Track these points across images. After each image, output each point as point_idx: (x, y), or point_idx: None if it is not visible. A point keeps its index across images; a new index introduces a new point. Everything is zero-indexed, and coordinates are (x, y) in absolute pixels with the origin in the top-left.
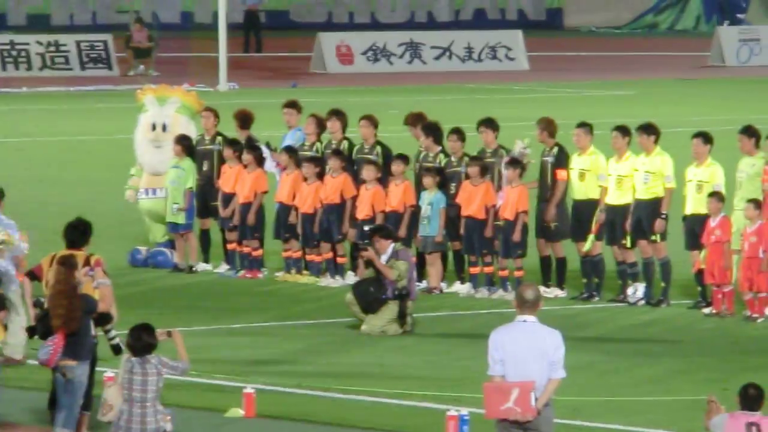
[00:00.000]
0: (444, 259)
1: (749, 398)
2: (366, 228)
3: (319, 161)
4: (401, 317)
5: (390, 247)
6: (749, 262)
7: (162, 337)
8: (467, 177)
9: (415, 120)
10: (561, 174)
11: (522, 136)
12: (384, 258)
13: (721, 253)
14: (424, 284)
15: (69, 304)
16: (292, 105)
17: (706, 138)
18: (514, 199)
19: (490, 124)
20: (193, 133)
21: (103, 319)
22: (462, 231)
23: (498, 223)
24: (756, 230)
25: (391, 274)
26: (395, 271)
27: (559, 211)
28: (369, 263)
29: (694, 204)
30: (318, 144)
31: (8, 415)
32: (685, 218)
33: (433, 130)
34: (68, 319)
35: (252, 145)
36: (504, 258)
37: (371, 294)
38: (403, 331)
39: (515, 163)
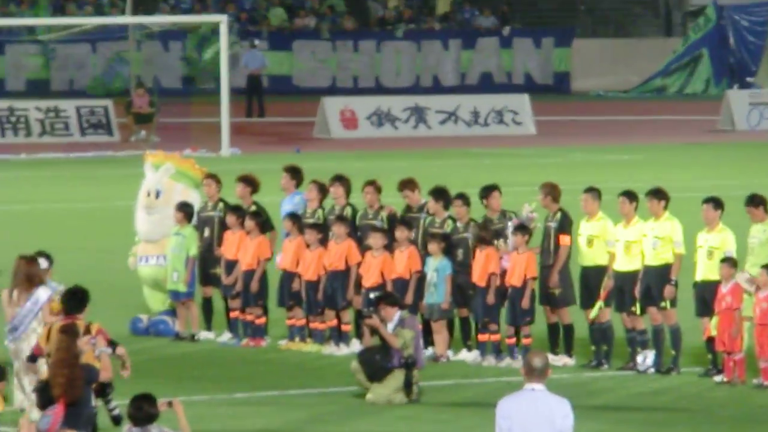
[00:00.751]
0: (450, 326)
1: None
2: (372, 295)
3: (321, 228)
4: (408, 386)
5: (396, 314)
6: (762, 329)
7: (163, 407)
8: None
9: (407, 184)
10: (564, 239)
11: (529, 200)
12: (390, 326)
13: (731, 320)
14: (430, 352)
15: (70, 373)
16: (290, 170)
17: (716, 203)
18: (522, 265)
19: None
20: (193, 199)
21: (104, 389)
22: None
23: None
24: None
25: (397, 342)
26: (401, 339)
27: (563, 277)
28: (374, 331)
29: (705, 270)
30: (320, 210)
31: None
32: (695, 284)
33: (442, 195)
34: (69, 388)
35: (254, 212)
36: (511, 326)
37: (377, 362)
38: (409, 400)
39: (522, 228)
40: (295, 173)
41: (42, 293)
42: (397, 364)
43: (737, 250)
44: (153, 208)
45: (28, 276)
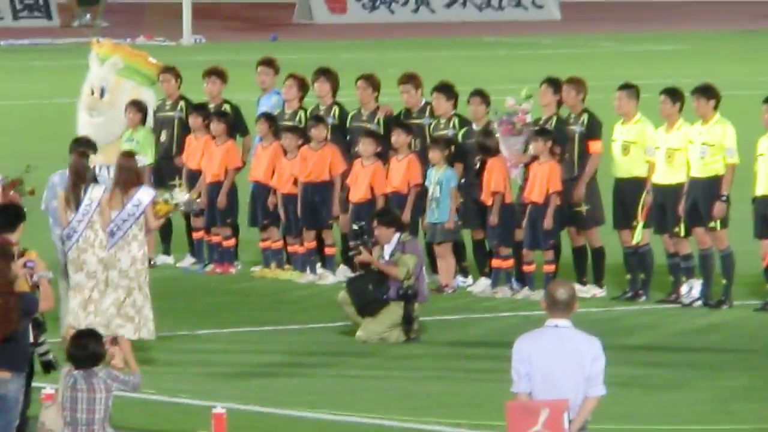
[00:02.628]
0: (458, 250)
1: None
2: (355, 225)
3: (302, 132)
4: (407, 323)
5: (395, 237)
6: None
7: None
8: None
9: (409, 80)
10: (594, 146)
11: (517, 93)
12: (387, 250)
13: None
14: (432, 280)
15: (3, 303)
16: (268, 63)
17: None
18: (543, 177)
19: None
20: (146, 99)
21: (36, 326)
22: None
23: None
24: None
25: (398, 272)
26: (403, 268)
27: (591, 192)
28: (365, 267)
29: (767, 183)
30: (302, 112)
31: None
32: (755, 200)
33: (448, 92)
34: (2, 320)
35: (222, 112)
36: (530, 250)
37: (370, 293)
38: (407, 338)
39: (545, 133)
40: (277, 68)
41: (144, 195)
42: (393, 296)
43: None
44: (96, 109)
45: (134, 175)
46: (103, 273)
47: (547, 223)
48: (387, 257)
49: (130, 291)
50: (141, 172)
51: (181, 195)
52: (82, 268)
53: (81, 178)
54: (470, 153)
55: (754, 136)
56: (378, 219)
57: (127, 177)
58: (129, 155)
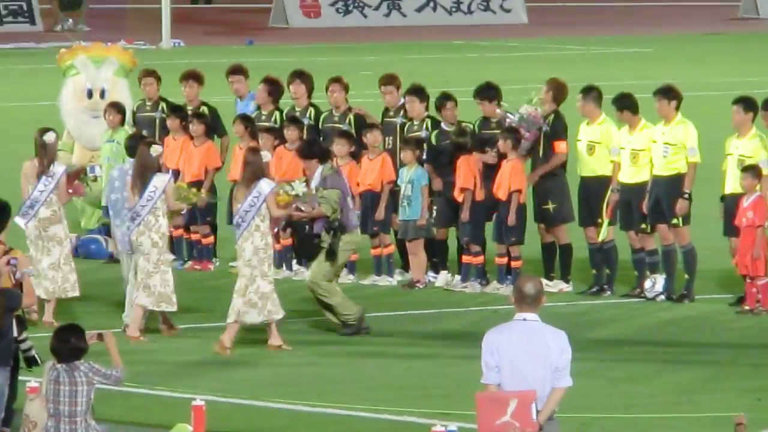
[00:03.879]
0: (430, 246)
1: None
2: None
3: (278, 132)
4: (330, 255)
5: (318, 169)
6: None
7: (93, 340)
8: (469, 150)
9: (392, 81)
10: (560, 146)
11: (528, 99)
12: (312, 184)
13: (753, 239)
14: (405, 276)
15: None
16: (237, 71)
17: (747, 104)
18: (507, 175)
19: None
20: (130, 98)
21: (19, 323)
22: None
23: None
24: None
25: (323, 210)
26: (327, 205)
27: (559, 190)
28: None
29: (735, 182)
30: (277, 113)
31: None
32: (723, 198)
33: (420, 94)
34: None
35: (200, 113)
36: (498, 244)
37: (308, 235)
38: (343, 326)
39: (510, 132)
40: (247, 74)
41: (265, 185)
42: (319, 230)
43: None
44: (99, 110)
45: (258, 169)
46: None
47: (511, 219)
48: (312, 189)
49: (253, 278)
50: (265, 167)
51: (300, 186)
52: (139, 250)
53: (147, 167)
54: (444, 153)
55: (715, 135)
56: (299, 153)
57: (252, 171)
58: (254, 150)
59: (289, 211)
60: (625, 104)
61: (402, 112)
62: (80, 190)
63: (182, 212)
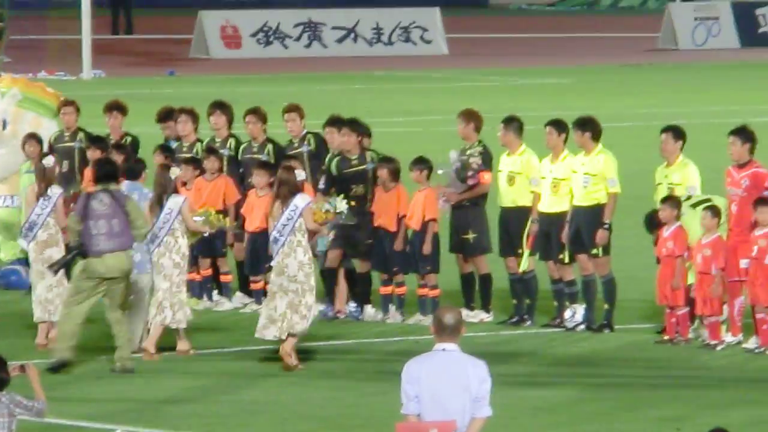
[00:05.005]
0: (350, 277)
1: None
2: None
3: (199, 163)
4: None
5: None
6: (702, 279)
7: (15, 372)
8: (375, 181)
9: (294, 109)
10: (485, 177)
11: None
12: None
13: (672, 270)
14: (324, 308)
15: None
16: (168, 116)
17: (677, 133)
18: (420, 204)
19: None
20: (46, 130)
21: None
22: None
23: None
24: (711, 243)
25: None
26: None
27: (478, 220)
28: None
29: None
30: (198, 144)
31: None
32: (655, 225)
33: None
34: None
35: (120, 144)
36: (413, 273)
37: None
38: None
39: (421, 162)
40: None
41: (300, 200)
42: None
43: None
44: (0, 142)
45: (293, 187)
46: (278, 278)
47: (426, 248)
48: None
49: (303, 292)
50: (299, 184)
51: (342, 204)
52: (160, 271)
53: (163, 189)
54: (346, 182)
55: (635, 165)
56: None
57: (287, 190)
58: (288, 169)
59: (323, 227)
60: (589, 128)
61: (307, 140)
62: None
63: (204, 234)
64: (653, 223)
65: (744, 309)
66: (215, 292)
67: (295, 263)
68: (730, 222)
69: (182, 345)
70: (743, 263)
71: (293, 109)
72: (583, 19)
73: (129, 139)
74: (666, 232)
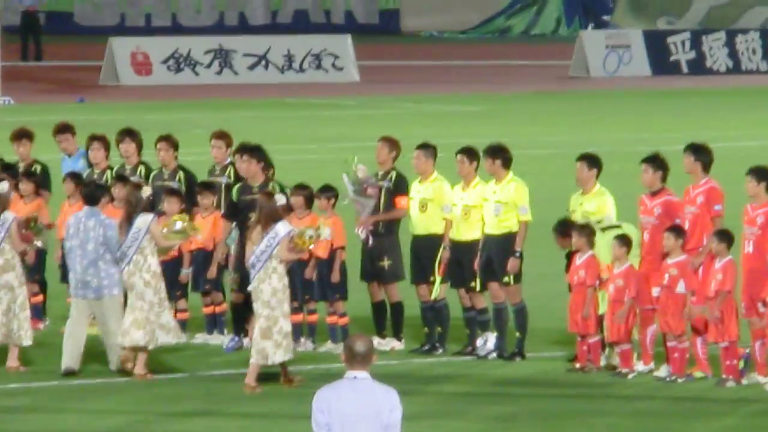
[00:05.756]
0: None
1: None
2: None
3: (109, 190)
4: None
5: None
6: (614, 308)
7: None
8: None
9: (222, 137)
10: (401, 202)
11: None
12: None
13: (584, 298)
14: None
15: None
16: (65, 130)
17: (591, 161)
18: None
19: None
20: None
21: None
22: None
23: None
24: (623, 273)
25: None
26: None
27: (392, 247)
28: None
29: None
30: (109, 171)
31: None
32: (568, 255)
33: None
34: None
35: (30, 172)
36: (321, 300)
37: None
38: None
39: (327, 190)
40: (70, 131)
41: (281, 228)
42: None
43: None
44: None
45: (274, 212)
46: (255, 303)
47: (334, 276)
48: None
49: (275, 319)
50: (279, 210)
51: (326, 231)
52: (132, 290)
53: (132, 207)
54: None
55: (548, 193)
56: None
57: (268, 215)
58: (269, 195)
59: (300, 255)
60: (500, 155)
61: (227, 172)
62: (29, 238)
63: (173, 248)
64: (564, 228)
65: (655, 337)
66: None
67: (269, 288)
68: (643, 250)
69: (139, 368)
70: (655, 291)
71: (221, 136)
72: (496, 47)
73: (38, 167)
74: (578, 260)
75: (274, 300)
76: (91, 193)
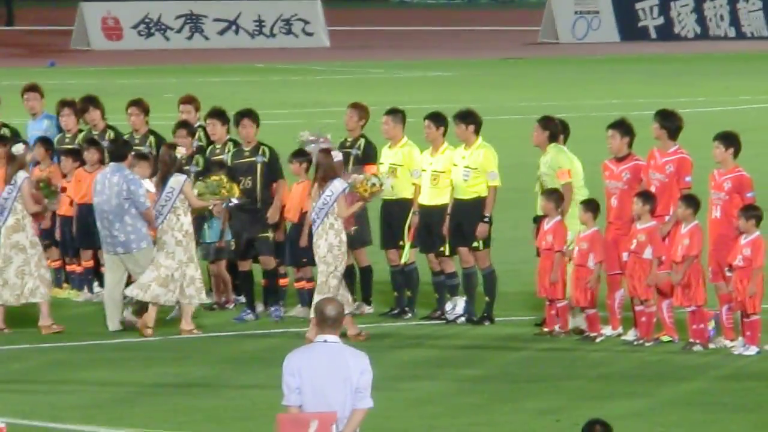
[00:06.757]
0: (233, 268)
1: None
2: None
3: (79, 154)
4: None
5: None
6: (579, 271)
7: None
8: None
9: (190, 101)
10: (371, 170)
11: (312, 127)
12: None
13: (551, 263)
14: (211, 299)
15: None
16: (34, 89)
17: (544, 123)
18: (297, 196)
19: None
20: None
21: None
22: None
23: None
24: (588, 236)
25: None
26: None
27: (359, 213)
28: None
29: None
30: (81, 135)
31: None
32: (536, 219)
33: (221, 117)
34: None
35: (1, 136)
36: (291, 266)
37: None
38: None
39: (300, 155)
40: (38, 91)
41: (338, 184)
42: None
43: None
44: None
45: (330, 170)
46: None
47: (302, 240)
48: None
49: (329, 275)
50: (336, 167)
51: (387, 180)
52: (163, 248)
53: (167, 167)
54: (238, 174)
55: (517, 158)
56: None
57: (325, 172)
58: (327, 152)
59: (361, 207)
60: (469, 120)
61: (196, 136)
62: (38, 198)
63: (209, 208)
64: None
65: (623, 302)
66: (95, 284)
67: (325, 245)
68: (609, 215)
69: (185, 324)
70: (625, 256)
71: (215, 114)
72: (465, 12)
73: (7, 130)
74: (546, 225)
75: (330, 256)
76: (118, 149)
